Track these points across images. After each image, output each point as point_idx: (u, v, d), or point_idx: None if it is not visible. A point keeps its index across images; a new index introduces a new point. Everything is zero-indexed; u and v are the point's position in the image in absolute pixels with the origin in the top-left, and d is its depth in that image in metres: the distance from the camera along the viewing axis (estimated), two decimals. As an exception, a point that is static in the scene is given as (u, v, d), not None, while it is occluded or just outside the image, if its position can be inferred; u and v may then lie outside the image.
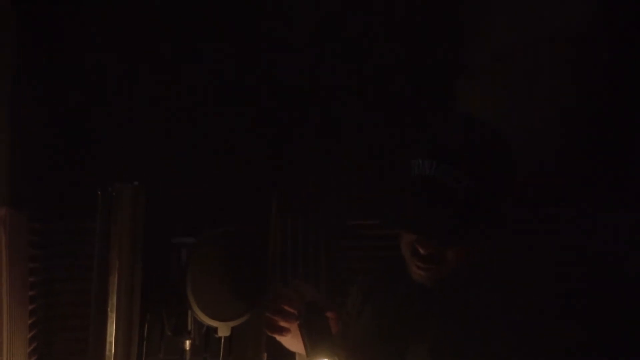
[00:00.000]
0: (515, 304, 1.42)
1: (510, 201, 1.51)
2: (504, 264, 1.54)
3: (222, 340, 1.79)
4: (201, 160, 2.42)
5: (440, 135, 1.45)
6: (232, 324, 1.74)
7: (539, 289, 1.49)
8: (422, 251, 1.44)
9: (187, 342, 1.87)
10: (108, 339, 1.67)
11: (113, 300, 1.68)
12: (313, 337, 1.45)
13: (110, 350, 1.67)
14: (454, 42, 2.55)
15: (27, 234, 2.16)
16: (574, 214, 2.40)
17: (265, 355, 2.47)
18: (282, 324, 1.54)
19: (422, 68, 2.55)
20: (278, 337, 1.59)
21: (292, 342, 1.60)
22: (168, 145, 2.40)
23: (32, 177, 2.22)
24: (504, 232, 1.55)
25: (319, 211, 2.51)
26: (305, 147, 2.52)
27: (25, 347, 2.10)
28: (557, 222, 2.42)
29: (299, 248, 2.48)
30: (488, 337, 1.40)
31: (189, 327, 1.84)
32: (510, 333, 1.39)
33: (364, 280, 1.77)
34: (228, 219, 2.26)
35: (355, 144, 2.54)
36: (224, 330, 1.74)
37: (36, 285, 2.30)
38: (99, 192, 1.76)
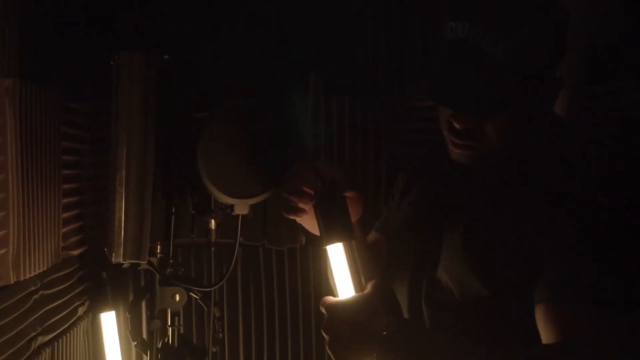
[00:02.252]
0: (563, 194, 1.23)
1: (559, 68, 1.30)
2: (559, 144, 1.34)
3: (240, 220, 1.68)
4: (236, 30, 2.25)
5: None
6: (250, 201, 1.63)
7: (595, 182, 1.26)
8: (457, 126, 1.28)
9: (212, 222, 1.79)
10: (117, 215, 1.58)
11: (122, 174, 1.58)
12: (326, 218, 1.29)
13: (120, 226, 1.58)
14: None
15: (60, 111, 2.08)
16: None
17: (303, 239, 2.38)
18: (299, 204, 1.40)
19: None
20: (296, 219, 1.45)
21: (311, 224, 1.46)
22: (199, 14, 2.24)
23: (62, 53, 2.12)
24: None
25: (369, 91, 2.32)
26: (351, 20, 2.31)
27: (57, 226, 2.06)
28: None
29: (345, 130, 2.32)
30: (523, 228, 1.25)
31: (212, 206, 1.76)
32: (548, 226, 1.22)
33: (409, 164, 1.64)
34: (261, 94, 2.15)
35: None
36: (241, 208, 1.64)
37: (73, 166, 2.24)
38: (111, 62, 1.65)
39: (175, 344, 1.85)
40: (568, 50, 1.28)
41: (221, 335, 1.87)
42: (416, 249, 1.44)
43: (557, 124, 1.40)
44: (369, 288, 1.20)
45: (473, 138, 1.27)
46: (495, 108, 1.22)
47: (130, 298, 2.49)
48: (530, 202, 1.26)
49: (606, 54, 1.78)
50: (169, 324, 1.83)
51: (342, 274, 1.26)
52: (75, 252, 2.23)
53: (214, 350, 1.87)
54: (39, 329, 1.94)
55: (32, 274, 1.88)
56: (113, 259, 1.59)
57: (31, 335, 1.89)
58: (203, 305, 1.88)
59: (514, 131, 1.27)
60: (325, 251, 1.31)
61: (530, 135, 1.31)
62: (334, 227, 1.27)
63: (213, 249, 1.76)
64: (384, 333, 1.14)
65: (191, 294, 1.86)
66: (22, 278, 1.82)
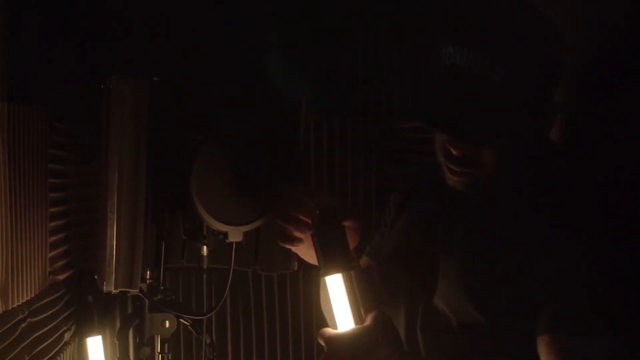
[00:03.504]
0: (562, 221, 1.22)
1: (555, 94, 1.30)
2: (557, 171, 1.33)
3: (233, 247, 1.66)
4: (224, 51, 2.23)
5: (472, 18, 1.24)
6: (245, 229, 1.61)
7: (595, 208, 1.25)
8: (454, 152, 1.26)
9: (204, 248, 1.77)
10: (108, 242, 1.56)
11: (113, 200, 1.55)
12: (325, 248, 1.26)
13: (111, 254, 1.55)
14: None
15: (47, 133, 2.05)
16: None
17: (295, 264, 2.36)
18: (295, 233, 1.38)
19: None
20: (292, 248, 1.43)
21: (307, 253, 1.44)
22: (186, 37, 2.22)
23: (48, 72, 2.09)
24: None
25: (363, 112, 2.31)
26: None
27: (44, 251, 2.02)
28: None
29: (336, 152, 2.31)
30: (522, 256, 1.23)
31: (204, 232, 1.73)
32: (548, 255, 1.20)
33: (402, 186, 1.62)
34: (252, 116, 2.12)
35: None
36: (234, 235, 1.62)
37: (60, 188, 2.20)
38: (102, 87, 1.63)
39: (165, 372, 1.82)
40: (563, 73, 1.27)
41: (213, 362, 1.84)
42: (410, 275, 1.42)
43: (552, 149, 1.39)
44: (368, 320, 1.19)
45: (470, 164, 1.26)
46: (493, 135, 1.21)
47: (118, 322, 2.45)
48: (528, 230, 1.25)
49: (600, 75, 1.78)
50: (159, 351, 1.81)
51: (341, 305, 1.24)
52: (62, 277, 2.19)
53: (205, 377, 1.84)
54: (27, 358, 1.90)
55: (20, 301, 1.84)
56: (105, 288, 1.57)
57: (19, 365, 1.86)
58: (193, 331, 1.86)
59: (511, 157, 1.27)
60: (319, 279, 1.29)
61: (526, 161, 1.30)
62: (333, 258, 1.26)
63: (205, 275, 1.73)
64: None
65: (181, 320, 1.84)
66: (10, 307, 1.78)
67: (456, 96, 1.21)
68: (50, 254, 2.08)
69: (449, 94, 1.22)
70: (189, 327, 1.84)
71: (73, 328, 2.29)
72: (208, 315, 1.80)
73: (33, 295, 1.94)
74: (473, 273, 1.29)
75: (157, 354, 1.80)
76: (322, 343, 1.18)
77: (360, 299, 1.23)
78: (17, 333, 1.85)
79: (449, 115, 1.21)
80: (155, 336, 1.80)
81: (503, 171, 1.27)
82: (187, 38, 2.18)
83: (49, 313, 2.10)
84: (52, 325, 2.11)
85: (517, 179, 1.30)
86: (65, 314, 2.23)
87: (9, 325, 1.82)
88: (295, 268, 2.37)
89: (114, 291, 1.59)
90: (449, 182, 1.32)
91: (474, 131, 1.20)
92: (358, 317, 1.21)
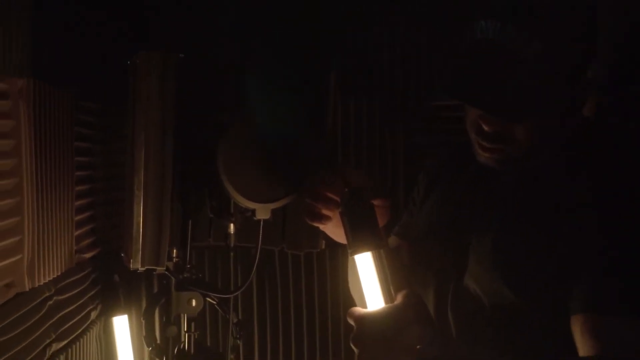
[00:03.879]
0: (598, 199, 1.18)
1: (590, 69, 1.26)
2: (591, 149, 1.29)
3: (261, 224, 1.63)
4: (254, 29, 2.20)
5: None
6: (272, 206, 1.59)
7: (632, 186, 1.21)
8: (486, 128, 1.23)
9: (231, 226, 1.75)
10: (135, 220, 1.54)
11: (140, 177, 1.54)
12: (354, 226, 1.23)
13: (138, 231, 1.54)
14: None
15: (72, 111, 2.03)
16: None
17: (323, 242, 2.34)
18: (323, 211, 1.36)
19: None
20: (319, 226, 1.41)
21: (335, 231, 1.42)
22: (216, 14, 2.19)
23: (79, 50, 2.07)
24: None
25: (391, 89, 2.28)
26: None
27: (70, 229, 2.02)
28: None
29: (363, 131, 2.28)
30: (556, 235, 1.20)
31: (231, 210, 1.71)
32: (581, 234, 1.17)
33: (431, 165, 1.60)
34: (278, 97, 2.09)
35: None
36: (262, 212, 1.60)
37: (85, 167, 2.20)
38: (128, 62, 1.61)
39: (192, 351, 1.81)
40: (597, 51, 1.24)
41: (239, 341, 1.83)
42: (440, 255, 1.39)
43: (585, 126, 1.36)
44: (399, 299, 1.16)
45: (502, 141, 1.24)
46: (526, 111, 1.18)
47: (143, 301, 2.45)
48: (562, 208, 1.22)
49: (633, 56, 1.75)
50: (185, 329, 1.80)
51: (370, 284, 1.21)
52: (88, 255, 2.20)
53: (232, 356, 1.83)
54: (54, 336, 1.90)
55: (47, 279, 1.84)
56: (131, 265, 1.55)
57: (46, 343, 1.86)
58: (220, 310, 1.85)
59: (544, 134, 1.24)
60: (348, 258, 1.27)
61: (559, 138, 1.27)
62: (362, 236, 1.23)
63: (232, 254, 1.72)
64: (418, 347, 1.10)
65: (208, 299, 1.82)
66: (37, 284, 1.78)
67: (490, 71, 1.18)
68: (76, 233, 2.08)
69: (483, 69, 1.19)
70: (216, 305, 1.82)
71: (99, 307, 2.30)
72: (235, 294, 1.78)
73: (59, 274, 1.94)
74: (505, 252, 1.26)
75: (183, 332, 1.78)
76: (352, 322, 1.16)
77: (390, 278, 1.21)
78: (44, 310, 1.86)
79: (482, 90, 1.18)
80: (182, 315, 1.79)
81: (536, 148, 1.24)
82: (215, 13, 2.16)
83: (76, 291, 2.11)
84: (78, 303, 2.12)
85: (550, 156, 1.27)
86: (91, 293, 2.24)
87: (36, 302, 1.82)
88: (323, 247, 2.35)
89: (141, 269, 1.58)
90: (480, 159, 1.29)
91: (508, 107, 1.17)
92: (388, 296, 1.19)
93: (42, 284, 1.83)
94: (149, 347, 1.81)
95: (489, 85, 1.17)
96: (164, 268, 1.61)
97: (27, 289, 1.75)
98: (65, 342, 1.99)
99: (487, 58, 1.18)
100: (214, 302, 1.83)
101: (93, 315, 2.25)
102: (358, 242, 1.23)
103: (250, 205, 1.57)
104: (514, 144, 1.23)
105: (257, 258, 1.68)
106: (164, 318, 1.78)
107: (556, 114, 1.23)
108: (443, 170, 1.53)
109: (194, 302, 1.76)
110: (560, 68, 1.18)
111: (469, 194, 1.41)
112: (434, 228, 1.45)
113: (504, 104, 1.16)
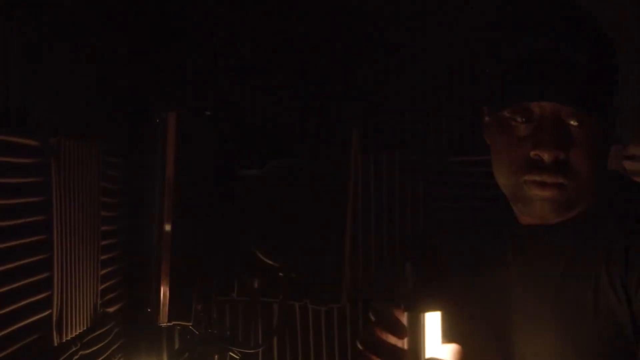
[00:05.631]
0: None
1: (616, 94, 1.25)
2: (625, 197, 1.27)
3: (285, 281, 1.65)
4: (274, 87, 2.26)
5: (545, 4, 1.23)
6: (297, 266, 1.61)
7: None
8: (546, 157, 1.15)
9: (256, 281, 1.77)
10: (163, 275, 1.56)
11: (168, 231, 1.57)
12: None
13: (166, 287, 1.56)
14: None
15: (99, 166, 2.08)
16: None
17: (345, 297, 2.34)
18: None
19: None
20: None
21: None
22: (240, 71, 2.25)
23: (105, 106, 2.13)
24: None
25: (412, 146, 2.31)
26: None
27: (95, 284, 2.04)
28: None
29: (384, 187, 2.30)
30: (611, 296, 1.16)
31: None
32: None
33: (444, 238, 1.50)
34: (301, 153, 2.14)
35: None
36: (287, 270, 1.61)
37: (111, 221, 2.23)
38: (157, 120, 1.65)
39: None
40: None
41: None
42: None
43: (614, 175, 1.35)
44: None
45: (563, 172, 1.16)
46: (597, 102, 1.17)
47: (164, 356, 2.45)
48: (611, 265, 1.17)
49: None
50: (208, 384, 1.80)
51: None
52: (112, 309, 2.21)
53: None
54: (79, 390, 1.91)
55: (74, 334, 1.86)
56: (159, 322, 1.57)
57: (71, 396, 1.87)
58: (243, 365, 1.85)
59: (598, 158, 1.21)
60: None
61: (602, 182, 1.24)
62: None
63: (257, 309, 1.73)
64: None
65: (230, 353, 1.83)
66: (64, 340, 1.80)
67: (556, 73, 1.16)
68: (101, 287, 2.10)
69: (548, 72, 1.16)
70: (238, 360, 1.83)
71: (121, 361, 2.30)
72: (259, 349, 1.79)
73: (85, 328, 1.96)
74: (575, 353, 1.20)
75: (206, 387, 1.78)
76: None
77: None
78: (70, 365, 1.87)
79: (558, 89, 1.15)
80: (205, 369, 1.79)
81: (591, 182, 1.19)
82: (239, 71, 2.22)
83: (100, 345, 2.11)
84: (103, 357, 2.13)
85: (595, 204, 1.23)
86: (115, 346, 2.25)
87: (63, 357, 1.83)
88: (346, 302, 2.35)
89: (167, 324, 1.60)
90: (536, 208, 1.19)
91: (582, 97, 1.15)
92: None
93: (69, 338, 1.84)
94: (171, 402, 1.81)
95: (561, 83, 1.15)
96: (190, 323, 1.62)
97: (56, 345, 1.77)
98: (89, 396, 2.00)
99: (547, 64, 1.16)
100: (237, 358, 1.84)
101: (116, 369, 2.25)
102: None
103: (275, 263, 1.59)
104: (574, 175, 1.17)
105: (282, 316, 1.69)
106: (187, 374, 1.79)
107: (610, 118, 1.21)
108: (463, 245, 1.39)
109: (216, 358, 1.77)
110: (606, 73, 1.20)
111: (509, 277, 1.28)
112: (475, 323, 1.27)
113: (581, 98, 1.15)
